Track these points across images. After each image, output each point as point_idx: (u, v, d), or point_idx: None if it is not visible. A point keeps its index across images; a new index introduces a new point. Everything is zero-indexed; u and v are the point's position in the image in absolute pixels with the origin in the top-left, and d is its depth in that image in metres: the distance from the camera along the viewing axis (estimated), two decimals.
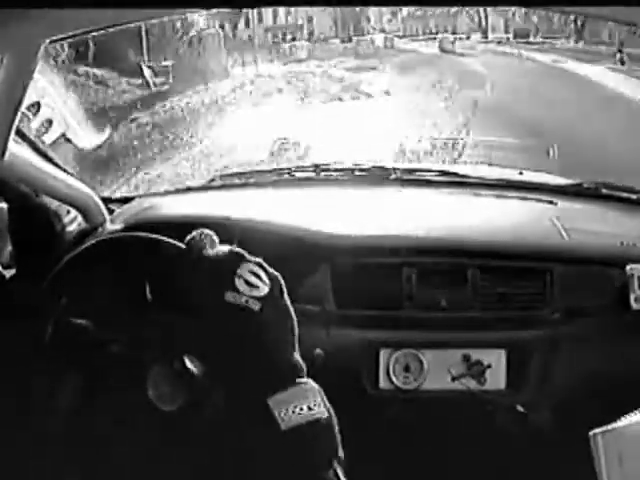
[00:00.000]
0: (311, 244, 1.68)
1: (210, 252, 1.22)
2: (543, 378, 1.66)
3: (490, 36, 16.71)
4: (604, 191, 1.99)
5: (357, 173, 2.06)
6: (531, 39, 16.48)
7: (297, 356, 1.18)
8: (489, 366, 1.64)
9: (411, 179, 2.05)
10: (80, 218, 1.80)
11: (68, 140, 2.15)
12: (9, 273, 1.63)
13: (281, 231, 1.70)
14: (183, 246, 1.28)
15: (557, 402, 1.67)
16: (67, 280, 1.40)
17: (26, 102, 1.28)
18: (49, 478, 1.52)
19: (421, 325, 1.67)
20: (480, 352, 1.64)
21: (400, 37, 16.66)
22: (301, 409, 1.09)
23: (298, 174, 2.07)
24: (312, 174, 2.07)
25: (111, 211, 1.92)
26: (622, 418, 1.27)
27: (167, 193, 2.18)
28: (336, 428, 1.15)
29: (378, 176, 2.06)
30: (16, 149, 1.54)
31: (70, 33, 1.17)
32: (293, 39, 15.57)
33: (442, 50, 15.43)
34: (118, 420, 1.32)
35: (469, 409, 1.66)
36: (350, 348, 1.65)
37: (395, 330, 1.67)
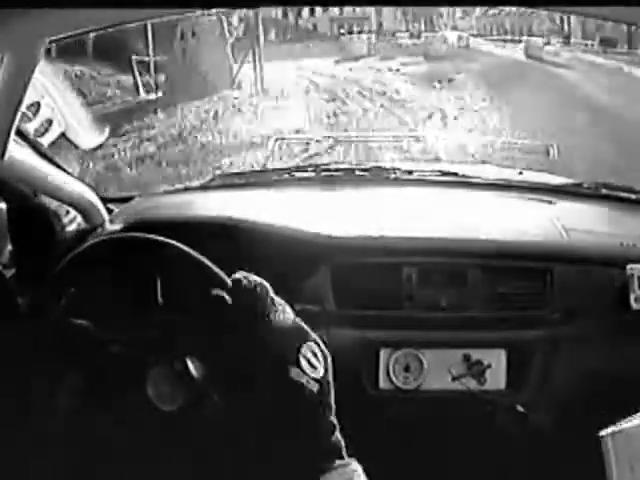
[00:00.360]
0: (311, 244, 1.68)
1: (273, 317, 1.19)
2: (543, 378, 1.66)
3: (572, 41, 13.75)
4: (604, 191, 1.99)
5: (357, 173, 2.06)
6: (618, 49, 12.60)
7: (340, 435, 1.18)
8: (489, 366, 1.64)
9: (411, 179, 2.05)
10: (80, 218, 1.80)
11: (68, 140, 2.15)
12: (9, 273, 1.63)
13: (281, 231, 1.70)
14: (227, 280, 1.25)
15: (557, 402, 1.67)
16: (67, 280, 1.40)
17: (26, 102, 1.27)
18: (49, 478, 1.52)
19: (421, 325, 1.67)
20: (480, 352, 1.64)
21: (474, 36, 14.82)
22: None
23: (298, 174, 2.07)
24: (312, 174, 2.07)
25: (110, 211, 1.92)
26: (629, 418, 1.25)
27: (167, 193, 2.19)
28: None
29: (378, 176, 2.06)
30: (16, 149, 1.54)
31: (70, 33, 1.17)
32: (359, 32, 14.14)
33: (528, 56, 13.04)
34: (118, 420, 1.32)
35: (469, 409, 1.66)
36: (350, 348, 1.65)
37: (395, 330, 1.67)
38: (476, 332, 1.67)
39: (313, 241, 1.69)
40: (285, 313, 1.22)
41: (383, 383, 1.66)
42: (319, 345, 1.20)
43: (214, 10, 1.42)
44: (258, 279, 1.23)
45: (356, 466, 1.14)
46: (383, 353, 1.65)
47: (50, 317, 1.36)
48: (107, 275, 1.39)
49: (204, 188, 2.11)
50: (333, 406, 1.20)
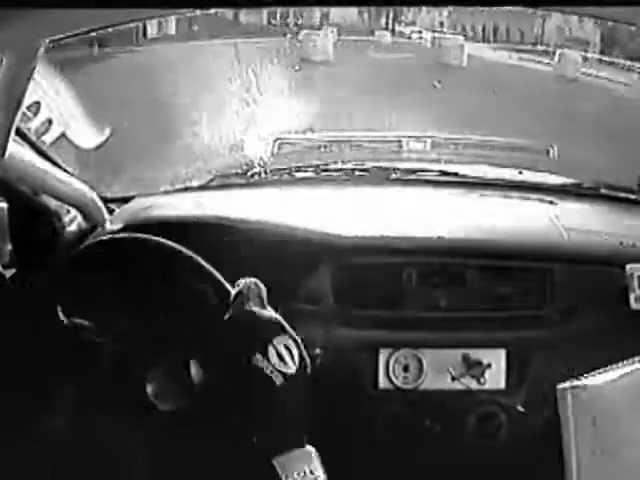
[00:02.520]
0: (311, 244, 1.68)
1: (253, 308, 1.22)
2: (543, 378, 1.66)
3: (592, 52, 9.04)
4: (604, 191, 1.99)
5: (357, 173, 2.06)
6: None
7: (302, 423, 1.19)
8: (489, 366, 1.64)
9: (411, 179, 2.05)
10: (80, 218, 1.80)
11: (68, 140, 2.15)
12: (9, 273, 1.63)
13: (281, 231, 1.70)
14: (225, 284, 1.28)
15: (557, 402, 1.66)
16: (67, 280, 1.40)
17: (26, 102, 1.27)
18: (49, 478, 1.52)
19: (421, 325, 1.67)
20: (480, 352, 1.64)
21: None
22: (304, 473, 1.11)
23: (298, 174, 2.07)
24: (312, 174, 2.07)
25: (111, 211, 1.92)
26: (593, 374, 1.23)
27: (167, 193, 2.18)
28: None
29: (378, 176, 2.06)
30: (16, 149, 1.54)
31: (70, 33, 1.17)
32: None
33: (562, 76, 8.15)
34: (118, 420, 1.32)
35: (469, 409, 1.66)
36: (350, 348, 1.65)
37: (395, 330, 1.67)
38: (476, 332, 1.67)
39: (313, 241, 1.69)
40: (268, 310, 1.23)
41: (383, 383, 1.65)
42: (298, 345, 1.20)
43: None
44: (253, 280, 1.24)
45: (311, 449, 1.15)
46: (383, 353, 1.65)
47: (50, 317, 1.36)
48: (107, 275, 1.39)
49: (204, 188, 2.11)
50: (301, 403, 1.20)
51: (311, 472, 1.11)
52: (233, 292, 1.25)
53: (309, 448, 1.14)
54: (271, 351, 1.17)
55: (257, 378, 1.16)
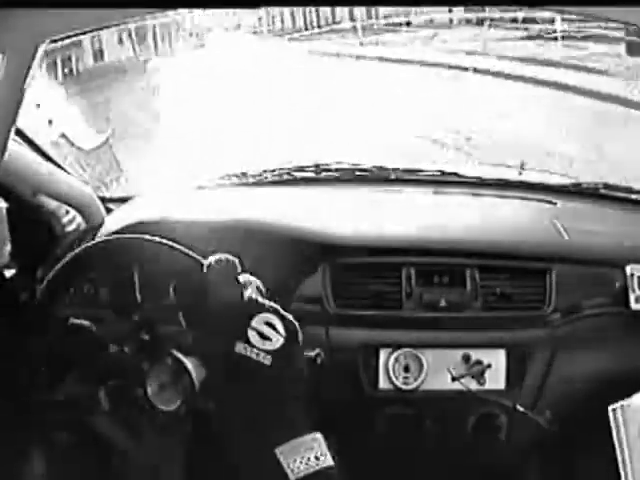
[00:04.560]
0: (311, 244, 1.68)
1: (228, 290, 1.20)
2: (543, 378, 1.66)
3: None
4: (604, 191, 1.98)
5: (357, 173, 2.06)
6: None
7: (302, 408, 1.17)
8: (489, 366, 1.64)
9: (411, 179, 2.05)
10: (79, 218, 1.80)
11: (68, 140, 2.15)
12: (9, 273, 1.63)
13: (281, 231, 1.70)
14: (202, 261, 1.26)
15: (557, 402, 1.67)
16: (67, 280, 1.40)
17: (26, 102, 1.27)
18: (49, 477, 1.52)
19: (421, 325, 1.67)
20: (480, 352, 1.64)
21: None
22: (309, 459, 1.09)
23: (298, 174, 2.07)
24: (312, 174, 2.07)
25: (110, 211, 1.92)
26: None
27: (167, 193, 2.18)
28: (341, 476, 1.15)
29: (378, 176, 2.06)
30: (16, 149, 1.54)
31: (70, 33, 1.17)
32: None
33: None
34: (118, 420, 1.32)
35: (469, 409, 1.66)
36: (350, 348, 1.65)
37: (395, 330, 1.67)
38: (476, 332, 1.66)
39: (313, 240, 1.69)
40: (241, 287, 1.22)
41: (383, 383, 1.65)
42: (278, 313, 1.18)
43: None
44: (228, 257, 1.23)
45: (317, 435, 1.13)
46: (383, 353, 1.65)
47: (50, 317, 1.36)
48: (107, 275, 1.39)
49: (204, 188, 2.11)
50: (303, 378, 1.19)
51: (316, 458, 1.10)
52: (205, 265, 1.23)
53: (314, 435, 1.12)
54: (252, 334, 1.15)
55: (246, 366, 1.14)
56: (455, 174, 2.06)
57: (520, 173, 2.13)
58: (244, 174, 2.10)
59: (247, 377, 1.15)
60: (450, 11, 10.86)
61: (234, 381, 1.16)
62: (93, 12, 1.10)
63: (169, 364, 1.24)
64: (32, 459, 1.52)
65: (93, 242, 1.47)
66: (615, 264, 1.68)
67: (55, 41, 1.17)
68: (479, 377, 1.64)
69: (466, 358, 1.64)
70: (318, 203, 1.91)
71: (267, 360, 1.14)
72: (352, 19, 11.40)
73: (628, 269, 1.65)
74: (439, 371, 1.64)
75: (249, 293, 1.22)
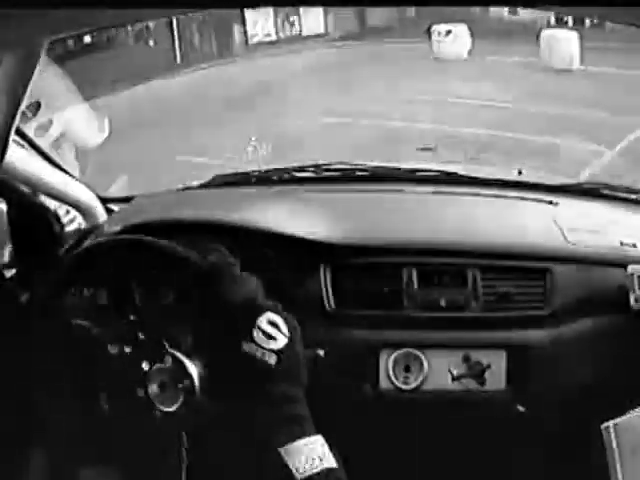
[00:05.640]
0: (311, 244, 1.68)
1: (229, 293, 1.21)
2: (543, 378, 1.66)
3: None
4: (604, 191, 1.98)
5: (357, 173, 2.06)
6: None
7: (306, 408, 1.18)
8: (489, 366, 1.64)
9: (411, 179, 2.05)
10: (79, 218, 1.81)
11: (68, 140, 2.15)
12: (9, 273, 1.63)
13: (281, 231, 1.70)
14: (202, 261, 1.27)
15: (557, 402, 1.67)
16: (67, 280, 1.40)
17: (26, 102, 1.27)
18: (48, 477, 1.52)
19: (421, 325, 1.67)
20: (480, 352, 1.64)
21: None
22: (313, 459, 1.10)
23: (298, 174, 2.07)
24: (312, 174, 2.07)
25: (110, 211, 1.92)
26: (633, 411, 1.34)
27: (166, 193, 2.18)
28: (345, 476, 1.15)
29: (378, 176, 2.06)
30: (16, 149, 1.54)
31: (70, 33, 1.17)
32: None
33: None
34: (118, 420, 1.32)
35: (469, 409, 1.66)
36: (350, 348, 1.64)
37: (395, 330, 1.67)
38: (476, 332, 1.66)
39: (313, 241, 1.69)
40: (243, 287, 1.22)
41: (383, 383, 1.65)
42: (281, 314, 1.19)
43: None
44: (228, 257, 1.24)
45: (319, 438, 1.13)
46: (383, 353, 1.65)
47: (50, 317, 1.36)
48: (107, 276, 1.39)
49: (204, 188, 2.10)
50: (300, 376, 1.19)
51: (320, 459, 1.10)
52: (205, 265, 1.23)
53: (317, 437, 1.13)
54: (257, 334, 1.15)
55: (251, 365, 1.15)
56: (455, 174, 2.06)
57: (520, 173, 2.13)
58: (244, 174, 2.10)
59: (250, 376, 1.15)
60: None
61: (236, 381, 1.16)
62: (93, 12, 1.10)
63: (169, 364, 1.24)
64: (32, 459, 1.52)
65: (94, 242, 1.47)
66: (615, 264, 1.68)
67: (55, 41, 1.17)
68: (479, 377, 1.64)
69: (466, 358, 1.64)
70: (318, 203, 1.91)
71: (272, 359, 1.14)
72: None
73: (628, 269, 1.65)
74: (439, 371, 1.64)
75: (250, 293, 1.22)
